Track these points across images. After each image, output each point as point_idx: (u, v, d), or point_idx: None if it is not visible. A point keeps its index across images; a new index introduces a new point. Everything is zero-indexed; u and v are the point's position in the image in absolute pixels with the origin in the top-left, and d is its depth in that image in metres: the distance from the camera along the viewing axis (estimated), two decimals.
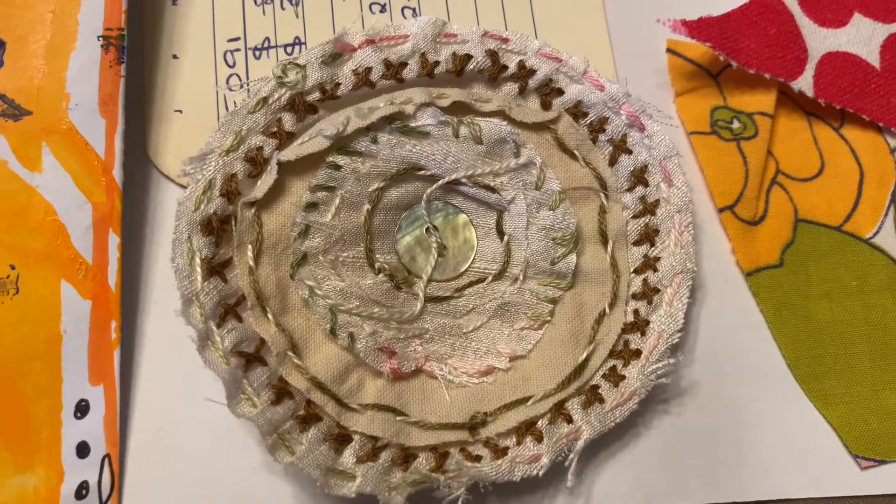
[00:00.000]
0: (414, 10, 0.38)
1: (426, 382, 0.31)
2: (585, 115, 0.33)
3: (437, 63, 0.32)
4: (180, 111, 0.36)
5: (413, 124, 0.31)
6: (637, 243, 0.33)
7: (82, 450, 0.31)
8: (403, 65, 0.32)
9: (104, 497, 0.31)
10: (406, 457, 0.29)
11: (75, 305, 0.31)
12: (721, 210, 0.36)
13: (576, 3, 0.39)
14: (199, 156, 0.30)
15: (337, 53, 0.31)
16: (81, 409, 0.31)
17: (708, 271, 0.36)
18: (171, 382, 0.33)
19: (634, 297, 0.32)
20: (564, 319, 0.32)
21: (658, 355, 0.31)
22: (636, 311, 0.32)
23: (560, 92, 0.33)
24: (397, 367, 0.30)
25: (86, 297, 0.32)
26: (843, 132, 0.38)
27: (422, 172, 0.32)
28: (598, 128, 0.33)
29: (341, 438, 0.29)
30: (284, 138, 0.31)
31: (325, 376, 0.29)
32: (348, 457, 0.29)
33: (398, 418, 0.30)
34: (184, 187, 0.30)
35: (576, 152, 0.33)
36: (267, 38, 0.37)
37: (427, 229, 0.33)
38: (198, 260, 0.28)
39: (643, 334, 0.32)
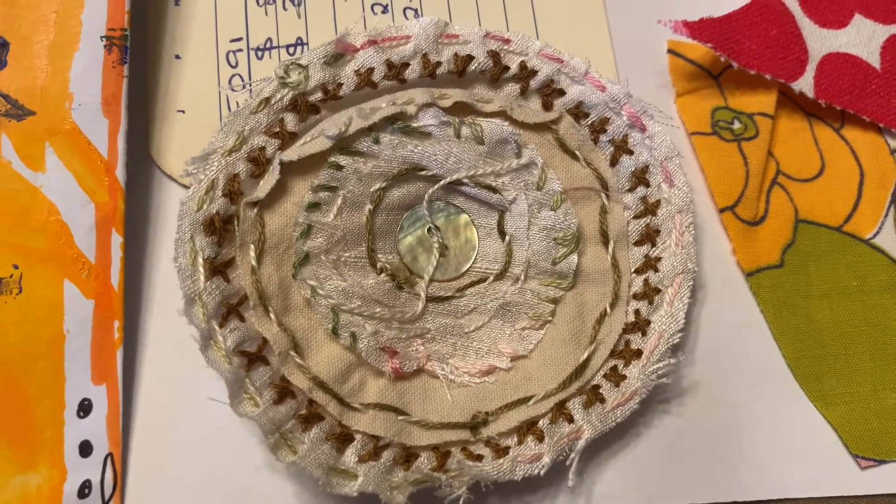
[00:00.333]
0: (416, 10, 0.39)
1: (428, 382, 0.31)
2: (587, 115, 0.33)
3: (438, 64, 0.32)
4: (183, 111, 0.36)
5: (415, 125, 0.31)
6: (638, 243, 0.33)
7: (85, 449, 0.31)
8: (405, 65, 0.32)
9: (107, 496, 0.31)
10: (408, 456, 0.29)
11: (78, 305, 0.31)
12: (722, 210, 0.36)
13: (577, 4, 0.39)
14: (201, 156, 0.30)
15: (339, 54, 0.31)
16: (84, 408, 0.31)
17: (709, 271, 0.36)
18: (174, 382, 0.33)
19: (635, 297, 0.32)
20: (566, 319, 0.32)
21: (659, 355, 0.31)
22: (637, 312, 0.32)
23: (561, 92, 0.33)
24: (399, 366, 0.30)
25: (89, 297, 0.32)
26: (843, 133, 0.38)
27: (423, 173, 0.32)
28: (599, 128, 0.33)
29: (343, 438, 0.29)
30: (287, 138, 0.31)
31: (327, 376, 0.29)
32: (350, 456, 0.29)
33: (400, 418, 0.30)
34: (186, 187, 0.30)
35: (577, 153, 0.33)
36: (269, 39, 0.37)
37: (429, 229, 0.33)
38: (200, 260, 0.28)
39: (644, 334, 0.32)
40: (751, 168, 0.36)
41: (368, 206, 0.32)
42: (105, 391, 0.31)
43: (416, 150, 0.31)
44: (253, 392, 0.28)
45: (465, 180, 0.32)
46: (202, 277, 0.28)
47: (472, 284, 0.33)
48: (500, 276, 0.33)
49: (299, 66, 0.31)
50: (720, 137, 0.37)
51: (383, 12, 0.38)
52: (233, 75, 0.37)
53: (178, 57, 0.37)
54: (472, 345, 0.32)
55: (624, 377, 0.31)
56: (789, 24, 0.38)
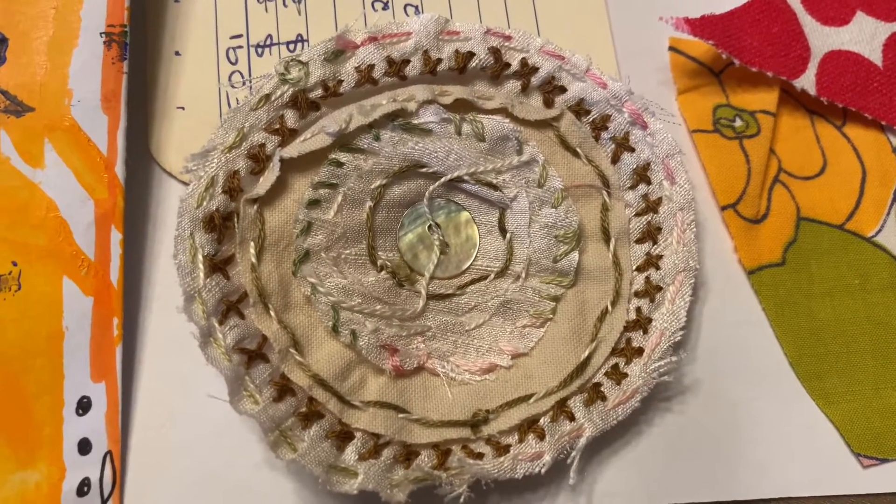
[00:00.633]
0: (416, 7, 0.38)
1: (428, 380, 0.31)
2: (588, 112, 0.33)
3: (439, 60, 0.32)
4: (182, 108, 0.36)
5: (415, 121, 0.31)
6: (639, 241, 0.33)
7: (84, 447, 0.31)
8: (406, 62, 0.32)
9: (106, 494, 0.31)
10: (408, 454, 0.29)
11: (77, 302, 0.31)
12: (723, 208, 0.36)
13: (578, 1, 0.39)
14: (201, 153, 0.30)
15: (339, 50, 0.31)
16: (83, 405, 0.31)
17: (710, 269, 0.36)
18: (173, 379, 0.33)
19: (637, 294, 0.32)
20: (567, 317, 0.32)
21: (660, 353, 0.31)
22: (638, 309, 0.32)
23: (562, 89, 0.33)
24: (399, 364, 0.30)
25: (88, 294, 0.32)
26: (845, 131, 0.38)
27: (424, 170, 0.32)
28: (600, 125, 0.33)
29: (343, 435, 0.29)
30: (287, 135, 0.31)
31: (327, 373, 0.29)
32: (350, 454, 0.29)
33: (400, 416, 0.30)
34: (186, 184, 0.30)
35: (578, 150, 0.33)
36: (269, 36, 0.37)
37: (429, 227, 0.33)
38: (200, 257, 0.28)
39: (645, 332, 0.32)
40: (752, 166, 0.36)
41: (369, 204, 0.32)
42: (104, 388, 0.31)
43: (416, 147, 0.31)
44: (253, 389, 0.28)
45: (466, 177, 0.32)
46: (202, 274, 0.28)
47: (472, 282, 0.33)
48: (501, 273, 0.33)
49: (300, 62, 0.31)
50: (722, 135, 0.37)
51: (384, 9, 0.38)
52: (233, 72, 0.37)
53: (177, 53, 0.37)
54: (472, 342, 0.32)
55: (625, 375, 0.31)
56: (791, 22, 0.38)
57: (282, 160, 0.30)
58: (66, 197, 0.32)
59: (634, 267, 0.33)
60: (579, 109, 0.33)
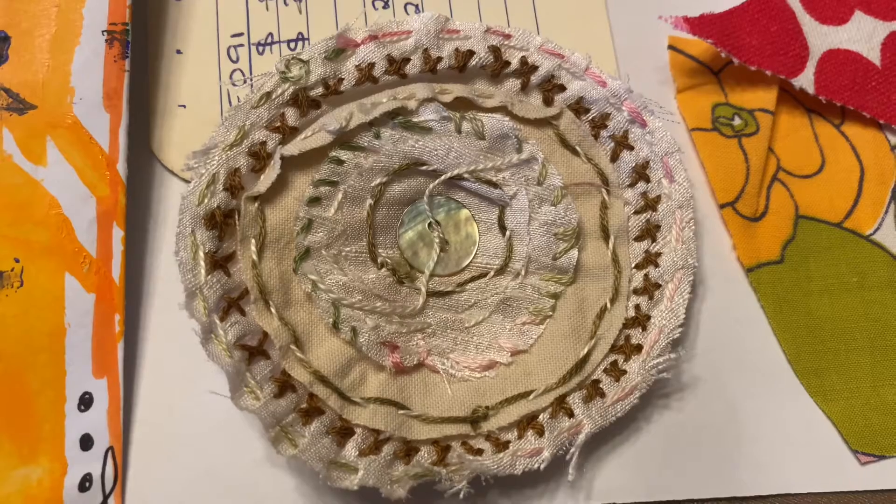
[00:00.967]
0: (416, 6, 0.39)
1: (428, 376, 0.31)
2: (587, 111, 0.33)
3: (439, 59, 0.32)
4: (184, 106, 0.36)
5: (416, 120, 0.31)
6: (638, 239, 0.33)
7: (86, 442, 0.31)
8: (406, 60, 0.32)
9: (107, 490, 0.31)
10: (408, 450, 0.29)
11: (79, 298, 0.31)
12: (722, 206, 0.36)
13: None
14: (202, 150, 0.30)
15: (340, 49, 0.31)
16: (85, 401, 0.31)
17: (709, 267, 0.36)
18: (175, 376, 0.33)
19: (636, 292, 0.32)
20: (566, 314, 0.32)
21: (659, 350, 0.31)
22: (637, 307, 0.32)
23: (562, 88, 0.33)
24: (399, 361, 0.30)
25: (89, 291, 0.32)
26: (843, 129, 0.38)
27: (424, 168, 0.32)
28: (599, 124, 0.33)
29: (344, 432, 0.29)
30: (287, 133, 0.31)
31: (327, 370, 0.29)
32: (350, 450, 0.29)
33: (400, 412, 0.30)
34: (187, 182, 0.30)
35: (577, 148, 0.33)
36: (270, 34, 0.37)
37: (429, 224, 0.33)
38: (201, 254, 0.28)
39: (644, 329, 0.32)
40: (751, 164, 0.36)
41: (369, 201, 0.32)
42: (106, 385, 0.31)
43: (416, 145, 0.31)
44: (254, 386, 0.28)
45: (466, 175, 0.32)
46: (203, 271, 0.28)
47: (472, 279, 0.33)
48: (501, 271, 0.33)
49: (300, 60, 0.31)
50: (721, 133, 0.37)
51: (384, 7, 0.38)
52: (234, 70, 0.37)
53: (179, 52, 0.37)
54: (472, 339, 0.32)
55: (624, 372, 0.31)
56: (790, 21, 0.38)
57: (282, 158, 0.30)
58: (68, 194, 0.32)
59: (633, 264, 0.33)
60: (579, 108, 0.33)
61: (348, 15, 0.38)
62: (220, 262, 0.29)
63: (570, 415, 0.30)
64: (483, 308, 0.32)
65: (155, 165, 0.36)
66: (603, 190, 0.33)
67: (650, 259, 0.33)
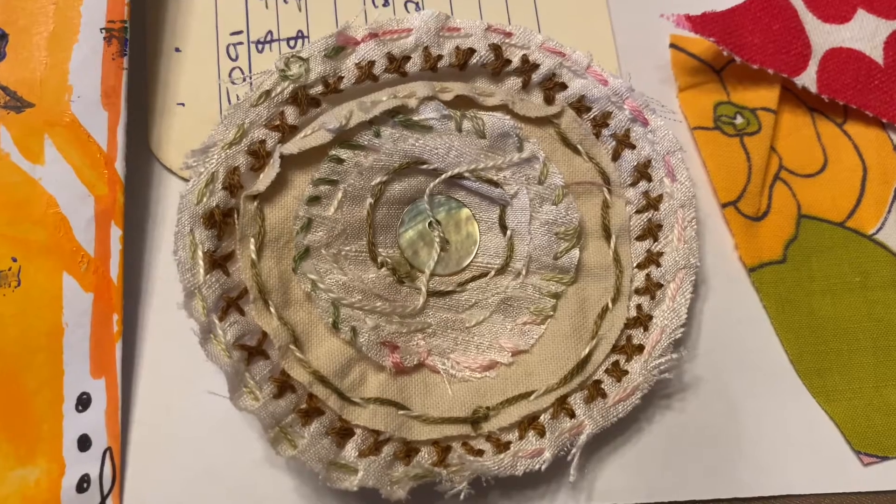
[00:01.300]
0: (417, 4, 0.38)
1: (428, 377, 0.31)
2: (589, 109, 0.33)
3: (440, 57, 0.32)
4: (183, 104, 0.36)
5: (416, 118, 0.31)
6: (640, 238, 0.33)
7: (84, 443, 0.31)
8: (406, 58, 0.32)
9: (105, 490, 0.31)
10: (408, 451, 0.29)
11: (77, 298, 0.31)
12: (724, 206, 0.36)
13: None
14: (201, 149, 0.30)
15: (340, 47, 0.31)
16: (83, 402, 0.31)
17: (711, 267, 0.36)
18: (173, 376, 0.33)
19: (637, 292, 0.32)
20: (567, 314, 0.32)
21: (661, 350, 0.31)
22: (639, 307, 0.32)
23: (563, 86, 0.33)
24: (400, 361, 0.30)
25: (87, 290, 0.32)
26: (846, 128, 0.38)
27: (424, 166, 0.32)
28: (601, 122, 0.33)
29: (343, 432, 0.29)
30: (287, 132, 0.31)
31: (327, 370, 0.29)
32: (350, 451, 0.29)
33: (400, 412, 0.30)
34: (186, 180, 0.30)
35: (579, 147, 0.33)
36: (270, 32, 0.37)
37: (430, 223, 0.33)
38: (200, 253, 0.28)
39: (646, 329, 0.32)
40: (753, 163, 0.36)
41: (369, 200, 0.31)
42: (104, 385, 0.31)
43: (417, 144, 0.31)
44: (253, 386, 0.28)
45: (467, 174, 0.32)
46: (202, 271, 0.28)
47: (473, 279, 0.33)
48: (502, 270, 0.33)
49: (300, 58, 0.31)
50: (722, 132, 0.37)
51: (384, 5, 0.38)
52: (233, 68, 0.37)
53: (178, 49, 0.37)
54: (473, 339, 0.32)
55: (625, 372, 0.31)
56: (792, 19, 0.37)
57: (282, 157, 0.30)
58: (66, 193, 0.32)
59: (635, 264, 0.33)
60: (580, 106, 0.33)
61: (348, 13, 0.38)
62: (218, 262, 0.29)
63: (572, 415, 0.30)
64: (484, 308, 0.32)
65: (153, 164, 0.35)
66: (604, 189, 0.33)
67: (652, 259, 0.32)
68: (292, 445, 0.28)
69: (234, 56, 0.37)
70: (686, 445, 0.33)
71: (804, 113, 0.38)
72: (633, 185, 0.33)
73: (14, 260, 0.31)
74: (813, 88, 0.37)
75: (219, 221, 0.29)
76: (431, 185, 0.32)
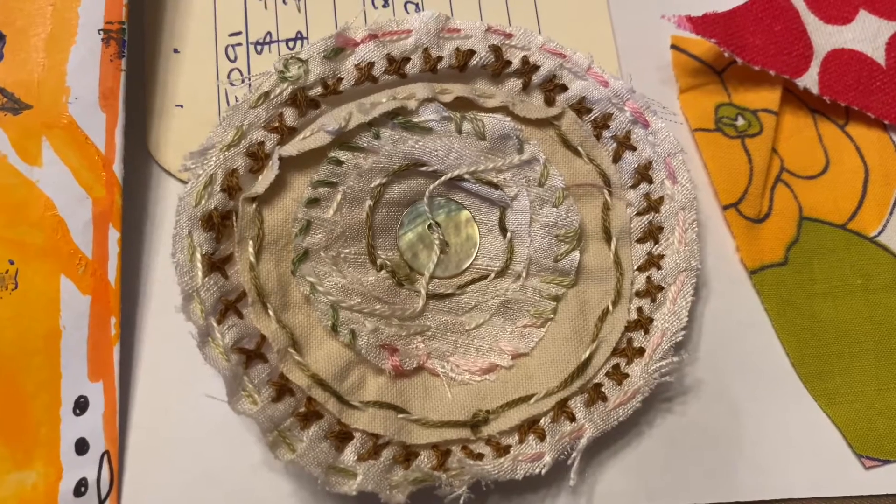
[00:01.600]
0: (417, 5, 0.38)
1: (428, 380, 0.31)
2: (589, 111, 0.33)
3: (440, 58, 0.32)
4: (181, 106, 0.36)
5: (415, 120, 0.31)
6: (641, 240, 0.33)
7: (81, 447, 0.31)
8: (406, 60, 0.32)
9: (103, 494, 0.31)
10: (407, 455, 0.29)
11: (75, 301, 0.31)
12: (725, 208, 0.36)
13: None
14: (199, 151, 0.29)
15: (339, 48, 0.31)
16: (80, 405, 0.31)
17: (712, 269, 0.36)
18: (171, 379, 0.32)
19: (638, 294, 0.32)
20: (567, 317, 0.32)
21: (661, 353, 0.31)
22: (640, 309, 0.32)
23: (564, 88, 0.33)
24: (399, 364, 0.30)
25: (85, 293, 0.31)
26: (848, 130, 0.38)
27: (424, 168, 0.32)
28: (601, 124, 0.33)
29: (342, 436, 0.29)
30: (286, 133, 0.31)
31: (326, 373, 0.29)
32: (349, 454, 0.28)
33: (400, 416, 0.29)
34: (184, 182, 0.30)
35: (579, 149, 0.33)
36: (268, 33, 0.37)
37: (429, 226, 0.33)
38: (198, 256, 0.28)
39: (647, 332, 0.31)
40: (755, 165, 0.36)
41: (368, 202, 0.31)
42: (101, 388, 0.31)
43: (416, 146, 0.31)
44: (251, 389, 0.28)
45: (467, 176, 0.32)
46: (200, 273, 0.28)
47: (473, 282, 0.33)
48: (502, 273, 0.33)
49: (299, 60, 0.31)
50: (724, 134, 0.37)
51: (384, 6, 0.38)
52: (232, 70, 0.36)
53: (176, 51, 0.37)
54: (472, 342, 0.32)
55: (626, 375, 0.31)
56: (794, 20, 0.37)
57: (281, 158, 0.29)
58: (63, 195, 0.32)
59: (636, 267, 0.33)
60: (580, 108, 0.33)
61: (348, 14, 0.38)
62: (217, 264, 0.29)
63: (572, 419, 0.30)
64: (483, 311, 0.32)
65: (152, 166, 0.35)
66: (605, 191, 0.33)
67: (653, 261, 0.32)
68: (291, 449, 0.28)
69: (232, 57, 0.37)
70: (687, 449, 0.33)
71: (806, 114, 0.38)
72: (634, 187, 0.33)
73: (11, 262, 0.31)
74: (815, 90, 0.37)
75: (217, 224, 0.29)
76: (431, 187, 0.32)
